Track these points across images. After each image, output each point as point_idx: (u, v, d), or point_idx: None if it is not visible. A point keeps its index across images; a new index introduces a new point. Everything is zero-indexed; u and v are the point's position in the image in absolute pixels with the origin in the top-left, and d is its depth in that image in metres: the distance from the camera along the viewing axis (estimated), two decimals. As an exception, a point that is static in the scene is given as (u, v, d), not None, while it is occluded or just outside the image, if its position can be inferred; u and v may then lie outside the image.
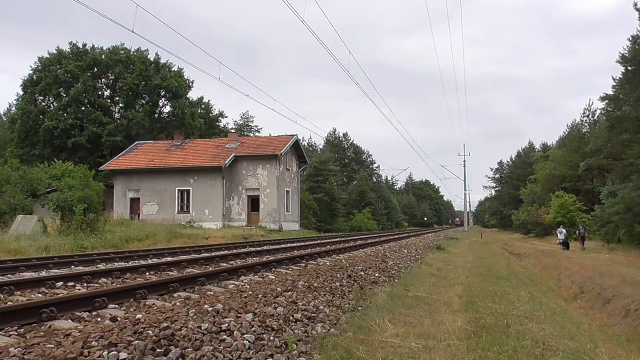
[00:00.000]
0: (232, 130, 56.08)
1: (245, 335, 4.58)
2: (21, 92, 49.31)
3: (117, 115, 50.25)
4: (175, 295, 6.91)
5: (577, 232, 29.27)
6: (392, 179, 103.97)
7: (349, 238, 27.22)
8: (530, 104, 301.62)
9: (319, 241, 23.85)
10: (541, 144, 72.26)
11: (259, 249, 16.75)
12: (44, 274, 9.03)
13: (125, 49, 49.72)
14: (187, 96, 53.92)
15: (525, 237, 51.14)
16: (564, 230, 28.76)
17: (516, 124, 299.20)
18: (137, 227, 25.25)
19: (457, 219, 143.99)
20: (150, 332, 4.14)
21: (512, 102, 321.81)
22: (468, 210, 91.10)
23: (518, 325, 6.50)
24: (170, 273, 9.56)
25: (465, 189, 75.40)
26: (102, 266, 10.68)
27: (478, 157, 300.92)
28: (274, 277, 8.58)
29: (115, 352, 3.66)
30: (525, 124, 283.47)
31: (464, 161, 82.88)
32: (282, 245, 18.47)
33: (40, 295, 6.89)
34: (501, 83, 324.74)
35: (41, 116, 46.44)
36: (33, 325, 4.86)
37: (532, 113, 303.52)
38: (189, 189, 35.63)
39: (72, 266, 10.60)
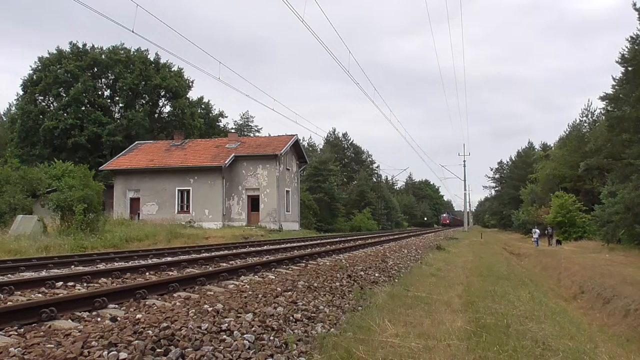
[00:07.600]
0: (232, 130, 56.15)
1: (245, 335, 4.58)
2: (21, 92, 49.39)
3: (117, 115, 50.27)
4: (175, 295, 6.90)
5: (546, 231, 33.89)
6: (392, 179, 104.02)
7: (348, 238, 27.21)
8: (538, 102, 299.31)
9: (318, 241, 23.84)
10: (541, 144, 72.30)
11: (258, 249, 16.74)
12: (44, 274, 9.02)
13: (125, 49, 49.76)
14: (187, 96, 53.95)
15: (525, 237, 51.02)
16: (537, 231, 34.79)
17: (523, 122, 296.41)
18: (137, 227, 25.24)
19: (444, 215, 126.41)
20: (150, 332, 4.14)
21: (518, 101, 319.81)
22: (468, 210, 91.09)
23: (518, 325, 6.50)
24: (170, 273, 9.55)
25: (465, 189, 75.44)
26: (102, 266, 10.67)
27: (481, 157, 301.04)
28: (274, 277, 8.58)
29: (115, 352, 3.66)
30: (533, 122, 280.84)
31: (464, 161, 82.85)
32: (282, 245, 18.46)
33: (40, 295, 6.88)
34: (505, 82, 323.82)
35: (41, 116, 46.46)
36: (33, 325, 4.86)
37: (541, 111, 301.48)
38: (189, 189, 35.63)
39: (72, 266, 10.60)
